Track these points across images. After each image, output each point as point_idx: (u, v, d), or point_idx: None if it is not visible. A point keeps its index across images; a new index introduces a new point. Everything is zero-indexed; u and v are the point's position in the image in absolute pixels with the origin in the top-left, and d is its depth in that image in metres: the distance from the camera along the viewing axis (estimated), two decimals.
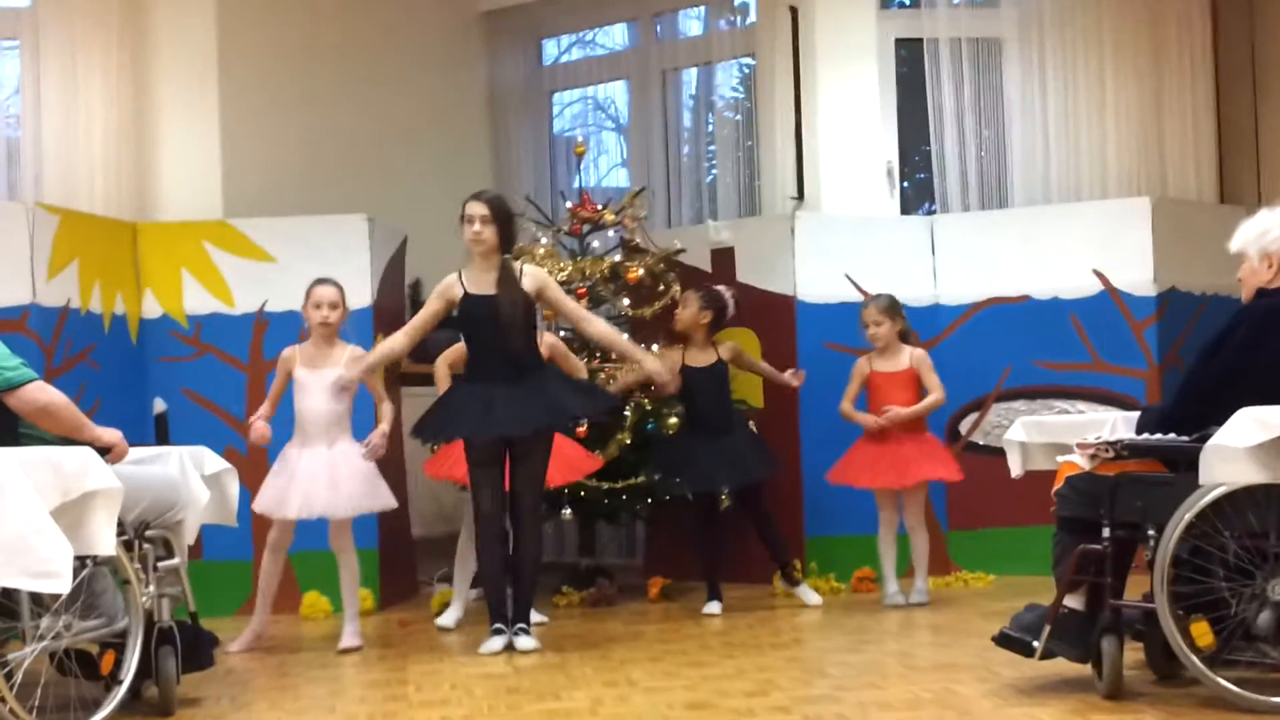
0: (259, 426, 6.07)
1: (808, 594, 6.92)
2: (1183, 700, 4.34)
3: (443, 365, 6.61)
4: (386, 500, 6.19)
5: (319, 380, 6.11)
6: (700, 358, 7.04)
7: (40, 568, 4.05)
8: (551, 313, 6.64)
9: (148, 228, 7.47)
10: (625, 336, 6.13)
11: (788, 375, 7.13)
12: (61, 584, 4.07)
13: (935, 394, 6.86)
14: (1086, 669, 4.53)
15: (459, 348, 6.42)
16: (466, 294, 5.87)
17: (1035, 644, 4.54)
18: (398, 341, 6.06)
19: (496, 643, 5.76)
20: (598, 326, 6.10)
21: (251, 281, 7.27)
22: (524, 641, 5.77)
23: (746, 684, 4.91)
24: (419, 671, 5.43)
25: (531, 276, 5.94)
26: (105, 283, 7.11)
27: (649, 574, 7.59)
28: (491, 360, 5.83)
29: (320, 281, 6.20)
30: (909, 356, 6.90)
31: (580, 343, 7.28)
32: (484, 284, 5.87)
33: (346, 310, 6.22)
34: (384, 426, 6.12)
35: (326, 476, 6.03)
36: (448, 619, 6.57)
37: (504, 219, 5.91)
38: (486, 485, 5.85)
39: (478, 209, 5.88)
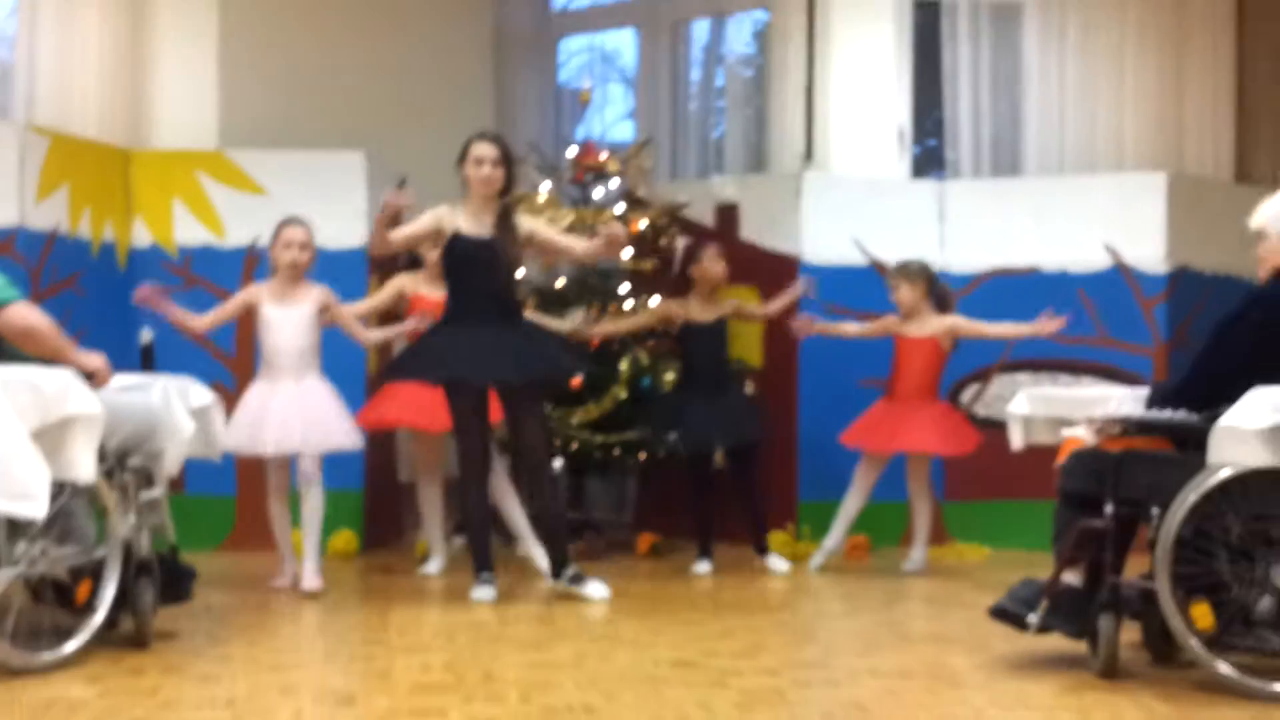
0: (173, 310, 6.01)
1: (776, 562, 6.75)
2: (1179, 683, 4.27)
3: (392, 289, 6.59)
4: (355, 439, 6.13)
5: (287, 317, 6.04)
6: (704, 313, 6.91)
7: (17, 489, 3.98)
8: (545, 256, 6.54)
9: (141, 155, 7.33)
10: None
11: (799, 285, 6.97)
12: (38, 507, 3.99)
13: (994, 328, 6.73)
14: (1081, 646, 4.45)
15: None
16: (459, 234, 5.74)
17: (1031, 618, 4.46)
18: (393, 236, 5.84)
19: (486, 591, 5.67)
20: (582, 244, 5.95)
21: (244, 214, 7.14)
22: (593, 588, 5.71)
23: (735, 644, 4.83)
24: (401, 616, 5.34)
25: (524, 221, 5.88)
26: (95, 209, 6.97)
27: (638, 530, 7.51)
28: (478, 303, 5.72)
29: (289, 221, 6.11)
30: (935, 324, 6.77)
31: (576, 294, 7.20)
32: (481, 226, 5.76)
33: (314, 251, 6.11)
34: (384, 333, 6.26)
35: (299, 412, 5.96)
36: (432, 567, 6.49)
37: (510, 161, 5.83)
38: (474, 430, 5.76)
39: (490, 151, 5.77)
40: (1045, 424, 5.53)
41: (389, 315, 6.86)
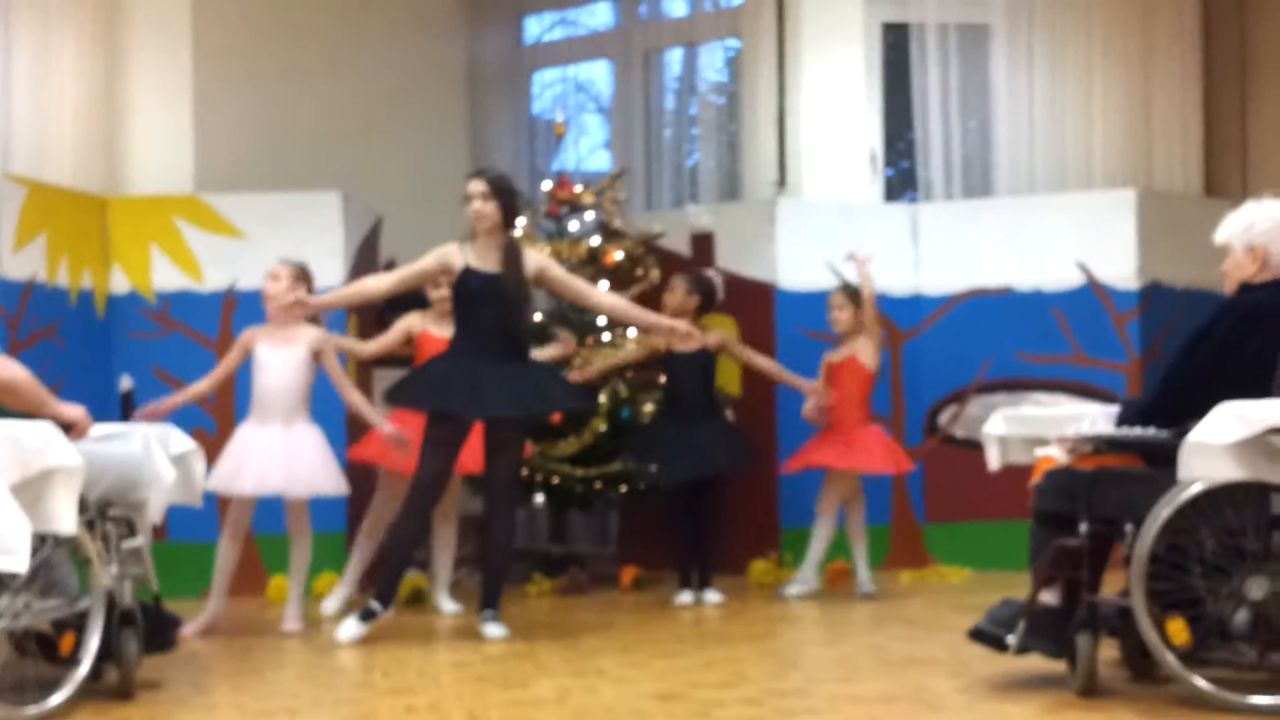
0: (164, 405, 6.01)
1: (713, 595, 6.72)
2: (1157, 699, 4.29)
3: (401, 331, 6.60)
4: (340, 485, 6.15)
5: (280, 358, 6.05)
6: (686, 342, 6.92)
7: None
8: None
9: (117, 202, 7.36)
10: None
11: (810, 393, 6.94)
12: (19, 562, 3.99)
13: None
14: (1061, 665, 4.47)
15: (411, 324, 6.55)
16: (469, 269, 5.76)
17: (1009, 639, 4.48)
18: (381, 283, 5.99)
19: (354, 626, 5.64)
20: (607, 299, 6.03)
21: (221, 258, 7.18)
22: (492, 629, 5.69)
23: (718, 675, 4.85)
24: (386, 658, 5.35)
25: (532, 259, 5.88)
26: (73, 257, 7.00)
27: (621, 562, 7.52)
28: (485, 338, 5.71)
29: (281, 262, 6.13)
30: (851, 346, 6.86)
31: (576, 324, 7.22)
32: (488, 261, 5.78)
33: (308, 289, 6.11)
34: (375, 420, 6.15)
35: (284, 455, 5.97)
36: (330, 605, 6.43)
37: (506, 195, 5.85)
38: (438, 463, 5.72)
39: (477, 186, 5.81)
40: (1021, 444, 5.55)
41: (397, 355, 6.84)
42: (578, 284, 6.02)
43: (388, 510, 6.59)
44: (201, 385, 6.17)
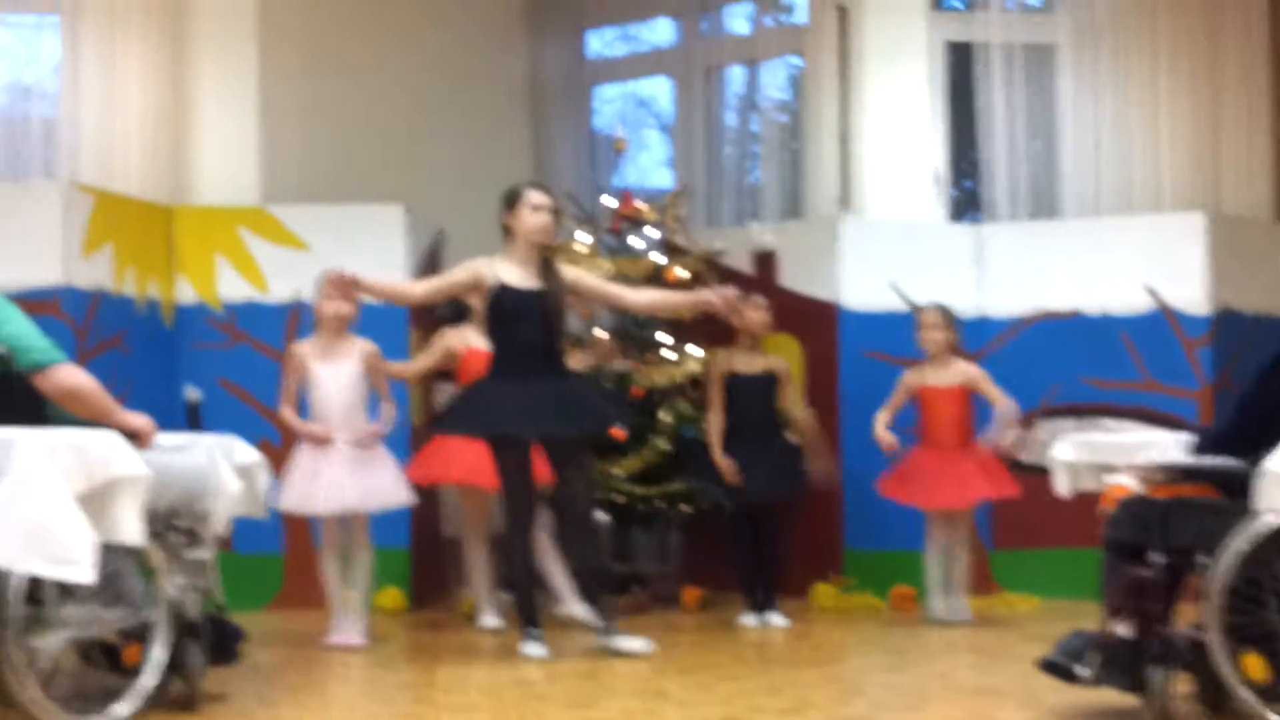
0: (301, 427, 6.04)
1: (777, 619, 6.62)
2: None
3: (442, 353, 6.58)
4: (407, 494, 6.16)
5: (333, 373, 6.05)
6: (749, 364, 6.85)
7: (61, 554, 3.97)
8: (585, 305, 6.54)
9: (183, 211, 7.40)
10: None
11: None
12: (82, 572, 3.99)
13: (1002, 403, 6.65)
14: (1133, 699, 4.39)
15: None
16: (505, 286, 5.70)
17: (1080, 670, 4.41)
18: (414, 289, 6.02)
19: (536, 648, 5.63)
20: (644, 296, 5.95)
21: (286, 269, 7.20)
22: (628, 643, 5.62)
23: (782, 701, 4.79)
24: (448, 674, 5.34)
25: (567, 271, 5.86)
26: (139, 266, 7.04)
27: (683, 582, 7.46)
28: (529, 356, 5.67)
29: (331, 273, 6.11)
30: (961, 371, 6.74)
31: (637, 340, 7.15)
32: (526, 277, 5.72)
33: (358, 303, 6.12)
34: (380, 427, 6.12)
35: (351, 471, 5.97)
36: (489, 621, 6.47)
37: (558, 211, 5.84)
38: (521, 485, 5.71)
39: (548, 199, 5.77)
40: (1090, 470, 5.47)
41: (441, 371, 6.85)
42: (610, 288, 5.97)
43: (477, 519, 6.57)
44: (293, 418, 6.15)
